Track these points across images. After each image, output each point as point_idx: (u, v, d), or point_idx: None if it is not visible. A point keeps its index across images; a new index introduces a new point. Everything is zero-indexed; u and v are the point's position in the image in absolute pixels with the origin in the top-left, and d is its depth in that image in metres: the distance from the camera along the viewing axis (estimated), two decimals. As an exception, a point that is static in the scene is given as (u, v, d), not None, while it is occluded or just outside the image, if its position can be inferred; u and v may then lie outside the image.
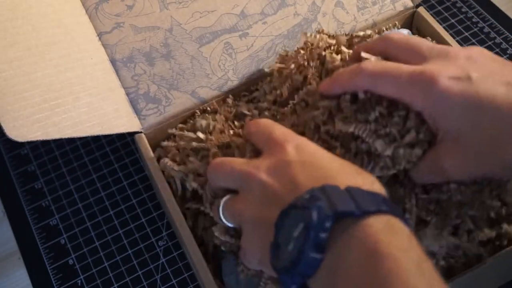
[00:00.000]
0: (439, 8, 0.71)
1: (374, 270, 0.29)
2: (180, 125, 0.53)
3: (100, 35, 0.54)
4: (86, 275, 0.56)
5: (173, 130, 0.52)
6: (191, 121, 0.52)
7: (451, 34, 0.62)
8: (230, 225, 0.40)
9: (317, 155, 0.37)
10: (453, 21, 0.70)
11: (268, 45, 0.55)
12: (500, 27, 0.69)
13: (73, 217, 0.60)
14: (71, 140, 0.65)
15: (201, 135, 0.48)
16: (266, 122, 0.41)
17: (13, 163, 0.64)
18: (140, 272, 0.56)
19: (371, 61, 0.40)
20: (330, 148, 0.40)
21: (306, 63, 0.46)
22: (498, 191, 0.42)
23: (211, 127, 0.49)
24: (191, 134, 0.49)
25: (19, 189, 0.62)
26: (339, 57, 0.45)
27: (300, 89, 0.46)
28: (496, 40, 0.68)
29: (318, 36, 0.48)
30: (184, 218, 0.47)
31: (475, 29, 0.69)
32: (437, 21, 0.58)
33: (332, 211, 0.31)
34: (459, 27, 0.69)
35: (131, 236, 0.58)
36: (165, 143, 0.51)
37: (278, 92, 0.48)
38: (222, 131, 0.48)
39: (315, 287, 0.32)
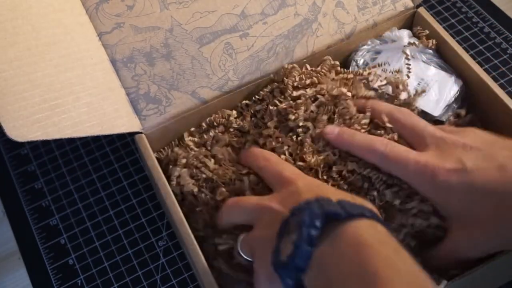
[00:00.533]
0: (439, 8, 0.71)
1: (358, 257, 0.34)
2: (190, 138, 0.53)
3: (100, 35, 0.54)
4: (86, 275, 0.56)
5: (187, 139, 0.53)
6: (199, 134, 0.54)
7: (451, 34, 0.62)
8: (248, 259, 0.43)
9: (323, 187, 0.43)
10: (453, 21, 0.70)
11: (268, 45, 0.55)
12: (500, 27, 0.69)
13: (73, 217, 0.60)
14: (71, 140, 0.65)
15: (211, 164, 0.50)
16: (276, 160, 0.46)
17: (13, 163, 0.64)
18: (140, 272, 0.56)
19: (384, 143, 0.44)
20: (338, 188, 0.45)
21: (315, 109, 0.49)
22: None
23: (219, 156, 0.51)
24: (203, 159, 0.51)
25: (19, 189, 0.62)
26: (354, 109, 0.48)
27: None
28: (496, 40, 0.68)
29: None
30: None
31: (475, 29, 0.69)
32: (437, 21, 0.58)
33: (321, 212, 0.36)
34: (459, 27, 0.69)
35: (131, 236, 0.58)
36: (176, 150, 0.52)
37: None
38: (229, 161, 0.50)
39: (309, 283, 0.36)
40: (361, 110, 0.48)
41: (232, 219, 0.45)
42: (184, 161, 0.50)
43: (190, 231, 0.46)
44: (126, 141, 0.65)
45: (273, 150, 0.49)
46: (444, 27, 0.63)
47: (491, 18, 0.70)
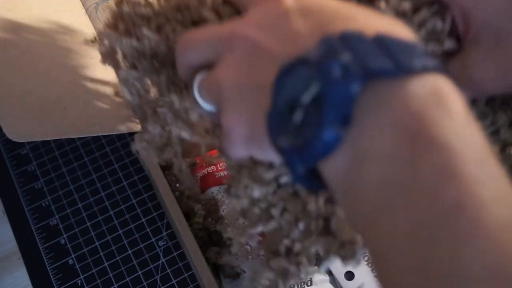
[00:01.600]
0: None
1: (420, 162, 0.20)
2: None
3: (100, 35, 0.54)
4: (86, 275, 0.56)
5: None
6: None
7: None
8: (208, 107, 0.30)
9: (333, 5, 0.25)
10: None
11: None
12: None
13: (73, 217, 0.60)
14: (71, 140, 0.65)
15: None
16: None
17: (13, 163, 0.64)
18: (140, 272, 0.56)
19: None
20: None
21: None
22: None
23: None
24: None
25: (19, 189, 0.62)
26: None
27: None
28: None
29: None
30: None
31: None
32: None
33: (360, 69, 0.21)
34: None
35: (131, 236, 0.58)
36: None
37: None
38: None
39: (329, 173, 0.23)
40: None
41: (190, 57, 0.29)
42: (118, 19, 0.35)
43: (190, 231, 0.46)
44: (126, 141, 0.65)
45: None
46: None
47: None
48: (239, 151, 0.28)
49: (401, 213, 0.20)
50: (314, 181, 0.24)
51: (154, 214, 0.60)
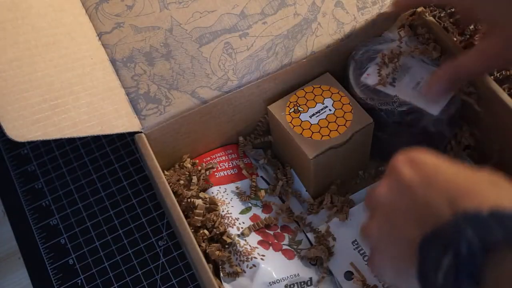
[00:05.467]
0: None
1: None
2: None
3: (100, 35, 0.54)
4: (86, 275, 0.56)
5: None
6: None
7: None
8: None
9: (439, 168, 0.33)
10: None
11: (268, 45, 0.55)
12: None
13: (73, 217, 0.60)
14: (71, 140, 0.65)
15: None
16: None
17: (13, 163, 0.64)
18: (140, 272, 0.56)
19: None
20: None
21: None
22: None
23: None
24: None
25: (19, 189, 0.62)
26: None
27: None
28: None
29: None
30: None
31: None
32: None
33: (481, 244, 0.27)
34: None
35: (131, 236, 0.58)
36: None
37: None
38: None
39: None
40: None
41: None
42: None
43: (190, 231, 0.46)
44: (126, 141, 0.65)
45: None
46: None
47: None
48: (387, 280, 0.37)
49: None
50: None
51: (154, 214, 0.60)
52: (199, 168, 0.55)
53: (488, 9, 0.40)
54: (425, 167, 0.33)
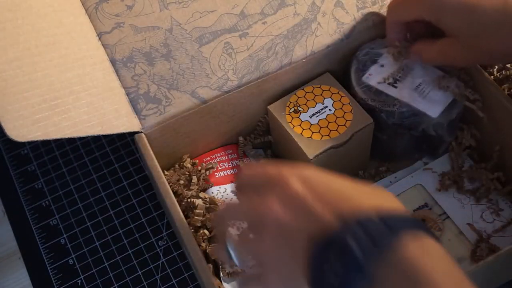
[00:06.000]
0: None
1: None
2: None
3: (100, 35, 0.54)
4: (86, 275, 0.56)
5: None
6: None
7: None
8: (238, 264, 0.40)
9: (325, 179, 0.36)
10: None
11: (268, 45, 0.55)
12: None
13: (73, 217, 0.60)
14: (71, 140, 0.65)
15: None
16: (256, 165, 0.41)
17: (13, 163, 0.64)
18: (140, 272, 0.56)
19: None
20: None
21: None
22: None
23: None
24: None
25: (19, 189, 0.62)
26: None
27: None
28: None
29: None
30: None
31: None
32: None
33: (372, 245, 0.31)
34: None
35: (131, 236, 0.58)
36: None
37: None
38: None
39: None
40: None
41: (229, 218, 0.41)
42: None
43: (190, 231, 0.46)
44: (126, 141, 0.65)
45: None
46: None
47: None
48: None
49: None
50: None
51: (154, 214, 0.60)
52: (199, 168, 0.55)
53: (448, 21, 0.48)
54: (312, 181, 0.35)
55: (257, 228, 0.36)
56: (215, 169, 0.56)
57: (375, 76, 0.53)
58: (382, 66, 0.54)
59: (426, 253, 0.31)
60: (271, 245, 0.35)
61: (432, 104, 0.51)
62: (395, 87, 0.53)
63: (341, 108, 0.53)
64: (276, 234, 0.35)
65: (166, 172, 0.54)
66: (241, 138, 0.58)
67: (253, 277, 0.39)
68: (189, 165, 0.55)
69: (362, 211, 0.33)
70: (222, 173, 0.56)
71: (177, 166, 0.56)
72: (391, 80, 0.53)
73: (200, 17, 0.55)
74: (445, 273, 0.31)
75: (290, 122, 0.53)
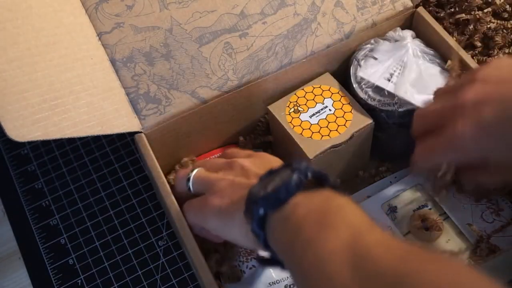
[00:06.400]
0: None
1: (325, 209, 0.37)
2: None
3: (100, 35, 0.54)
4: (86, 275, 0.56)
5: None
6: None
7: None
8: (191, 188, 0.47)
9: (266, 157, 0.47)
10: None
11: (268, 45, 0.55)
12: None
13: (73, 217, 0.60)
14: (71, 140, 0.65)
15: None
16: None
17: (13, 163, 0.64)
18: (140, 272, 0.56)
19: None
20: None
21: None
22: None
23: None
24: None
25: (19, 189, 0.62)
26: None
27: None
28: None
29: None
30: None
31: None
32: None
33: (311, 169, 0.39)
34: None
35: (131, 236, 0.58)
36: None
37: None
38: None
39: (275, 224, 0.38)
40: None
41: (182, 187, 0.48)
42: None
43: (190, 231, 0.46)
44: (126, 141, 0.65)
45: None
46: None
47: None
48: (206, 216, 0.44)
49: None
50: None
51: (154, 214, 0.60)
52: None
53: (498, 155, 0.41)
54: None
55: (225, 170, 0.45)
56: None
57: (372, 71, 0.53)
58: (379, 61, 0.54)
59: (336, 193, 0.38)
60: (231, 175, 0.44)
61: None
62: (393, 82, 0.53)
63: (341, 108, 0.53)
64: (241, 171, 0.44)
65: (168, 177, 0.55)
66: (241, 138, 0.58)
67: (196, 198, 0.46)
68: (190, 166, 0.56)
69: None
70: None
71: (177, 167, 0.56)
72: (388, 76, 0.53)
73: (200, 17, 0.55)
74: (348, 203, 0.37)
75: (290, 122, 0.53)
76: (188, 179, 0.47)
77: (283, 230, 0.37)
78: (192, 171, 0.47)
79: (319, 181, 0.40)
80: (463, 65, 0.53)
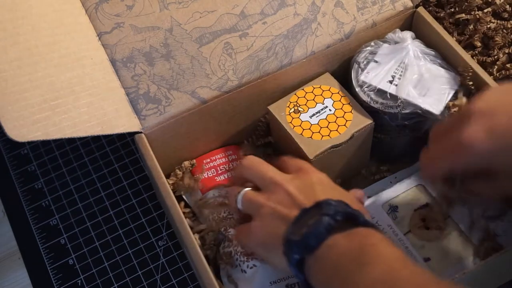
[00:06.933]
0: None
1: (362, 250, 0.39)
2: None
3: (100, 35, 0.54)
4: (86, 275, 0.56)
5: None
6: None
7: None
8: (240, 207, 0.48)
9: (337, 191, 0.46)
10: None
11: (268, 45, 0.55)
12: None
13: (73, 217, 0.60)
14: (71, 140, 0.65)
15: None
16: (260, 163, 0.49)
17: (13, 163, 0.64)
18: (140, 272, 0.56)
19: None
20: None
21: None
22: None
23: None
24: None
25: (19, 189, 0.62)
26: None
27: None
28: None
29: None
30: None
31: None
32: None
33: (343, 210, 0.41)
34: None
35: (131, 236, 0.58)
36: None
37: None
38: None
39: (312, 265, 0.40)
40: None
41: (245, 175, 0.48)
42: None
43: (190, 231, 0.46)
44: (126, 141, 0.65)
45: None
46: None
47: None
48: (249, 245, 0.47)
49: None
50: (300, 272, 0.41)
51: (154, 214, 0.60)
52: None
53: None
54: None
55: (270, 192, 0.46)
56: (215, 171, 0.56)
57: (373, 74, 0.53)
58: (380, 64, 0.54)
59: (378, 234, 0.40)
60: (274, 204, 0.44)
61: (433, 101, 0.51)
62: (395, 85, 0.53)
63: (341, 108, 0.53)
64: (283, 200, 0.44)
65: (169, 181, 0.55)
66: (245, 142, 0.58)
67: (244, 224, 0.47)
68: (190, 166, 0.56)
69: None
70: (222, 176, 0.56)
71: (177, 170, 0.56)
72: (389, 78, 0.53)
73: (200, 17, 0.55)
74: (387, 245, 0.39)
75: (290, 122, 0.53)
76: (237, 199, 0.48)
77: (320, 270, 0.40)
78: (240, 191, 0.48)
79: (351, 220, 0.41)
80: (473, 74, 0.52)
